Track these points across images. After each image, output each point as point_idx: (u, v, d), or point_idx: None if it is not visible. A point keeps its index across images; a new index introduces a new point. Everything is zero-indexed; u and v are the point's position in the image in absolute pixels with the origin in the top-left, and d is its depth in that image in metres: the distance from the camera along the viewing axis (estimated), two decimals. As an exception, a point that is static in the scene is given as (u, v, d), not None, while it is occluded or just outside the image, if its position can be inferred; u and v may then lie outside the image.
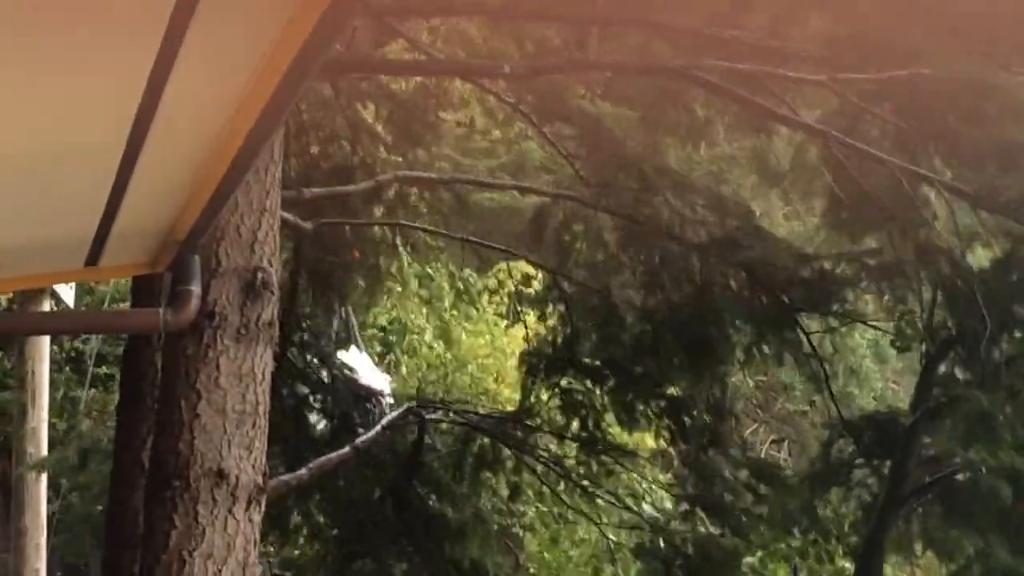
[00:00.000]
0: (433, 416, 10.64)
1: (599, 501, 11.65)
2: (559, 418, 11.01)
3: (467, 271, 16.52)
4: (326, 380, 10.75)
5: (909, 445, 12.04)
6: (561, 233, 10.95)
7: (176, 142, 4.14)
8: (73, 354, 17.58)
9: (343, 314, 15.18)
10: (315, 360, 11.01)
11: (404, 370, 16.40)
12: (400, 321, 16.83)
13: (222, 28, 3.05)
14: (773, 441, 24.13)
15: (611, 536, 12.11)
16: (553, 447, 11.36)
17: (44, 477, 14.43)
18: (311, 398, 10.66)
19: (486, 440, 10.84)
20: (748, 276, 10.22)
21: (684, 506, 11.40)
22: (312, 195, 9.58)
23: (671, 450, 11.47)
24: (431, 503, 10.55)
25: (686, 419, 10.84)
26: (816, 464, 12.59)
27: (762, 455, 19.81)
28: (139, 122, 3.66)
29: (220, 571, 6.43)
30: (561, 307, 11.18)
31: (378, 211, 11.03)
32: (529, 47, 10.26)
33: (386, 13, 9.40)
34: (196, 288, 5.98)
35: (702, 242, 10.40)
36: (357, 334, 16.47)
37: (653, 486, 12.04)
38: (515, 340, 16.76)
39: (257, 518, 6.60)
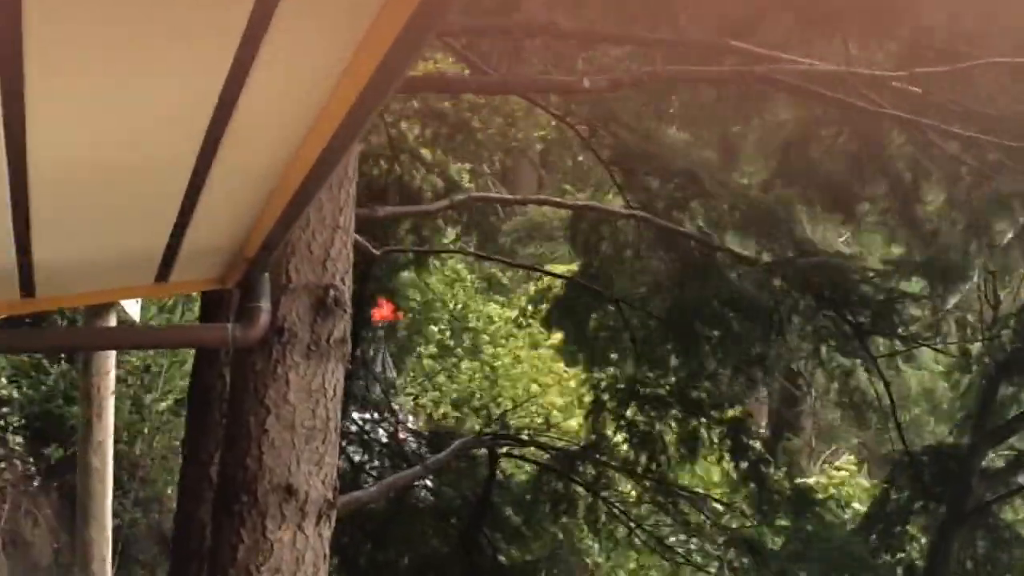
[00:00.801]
0: (504, 451, 10.58)
1: (671, 541, 11.55)
2: (626, 451, 10.92)
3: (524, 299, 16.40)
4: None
5: (968, 470, 11.80)
6: (621, 254, 10.88)
7: (248, 157, 4.11)
8: (141, 367, 17.64)
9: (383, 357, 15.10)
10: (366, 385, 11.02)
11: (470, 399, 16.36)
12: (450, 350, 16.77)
13: (299, 37, 2.99)
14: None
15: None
16: (624, 486, 11.26)
17: (110, 490, 14.47)
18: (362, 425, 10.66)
19: (556, 478, 10.76)
20: (815, 297, 10.10)
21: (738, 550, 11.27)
22: (386, 213, 9.55)
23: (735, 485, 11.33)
24: (501, 546, 10.50)
25: (747, 442, 10.72)
26: (874, 509, 12.32)
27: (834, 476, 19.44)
28: (210, 136, 3.63)
29: (289, 587, 6.41)
30: (626, 334, 11.12)
31: (451, 232, 11.03)
32: (582, 64, 10.21)
33: (442, 32, 9.38)
34: (265, 305, 5.95)
35: (768, 262, 10.31)
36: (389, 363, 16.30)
37: (718, 525, 11.88)
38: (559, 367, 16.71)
39: (327, 534, 6.57)
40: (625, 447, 10.92)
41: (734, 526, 11.61)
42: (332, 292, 6.50)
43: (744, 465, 10.97)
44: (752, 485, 11.01)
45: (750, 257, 10.54)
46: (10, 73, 2.82)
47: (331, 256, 6.55)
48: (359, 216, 7.31)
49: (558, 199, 10.20)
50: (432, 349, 16.83)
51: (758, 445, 10.90)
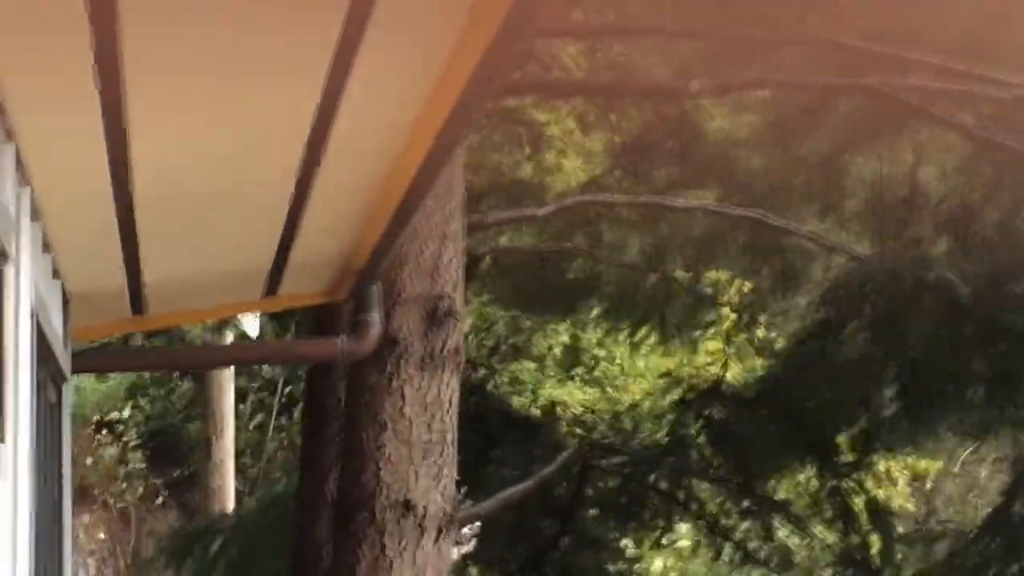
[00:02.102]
0: (596, 461, 10.45)
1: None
2: (709, 455, 10.72)
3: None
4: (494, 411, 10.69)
5: None
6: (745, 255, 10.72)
7: (349, 170, 4.04)
8: (259, 383, 17.73)
9: None
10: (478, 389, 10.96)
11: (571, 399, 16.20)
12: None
13: (391, 50, 2.93)
14: (996, 459, 22.89)
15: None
16: (707, 494, 11.04)
17: (231, 509, 14.55)
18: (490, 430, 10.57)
19: (645, 484, 10.60)
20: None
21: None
22: (496, 219, 9.46)
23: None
24: (589, 553, 10.40)
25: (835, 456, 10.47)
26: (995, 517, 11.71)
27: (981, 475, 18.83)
28: (311, 150, 3.58)
29: (409, 604, 6.32)
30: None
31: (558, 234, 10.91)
32: (669, 66, 10.05)
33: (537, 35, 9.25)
34: (376, 316, 5.88)
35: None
36: None
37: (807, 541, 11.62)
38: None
39: (448, 548, 6.48)
40: (708, 451, 10.70)
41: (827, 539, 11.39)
42: (444, 302, 6.40)
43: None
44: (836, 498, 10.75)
45: None
46: (112, 97, 2.80)
47: (441, 265, 6.46)
48: (468, 223, 7.21)
49: (672, 201, 9.97)
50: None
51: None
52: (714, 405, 10.59)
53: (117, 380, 16.20)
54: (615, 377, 16.84)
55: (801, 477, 11.39)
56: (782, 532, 10.99)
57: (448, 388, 6.53)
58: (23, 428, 3.20)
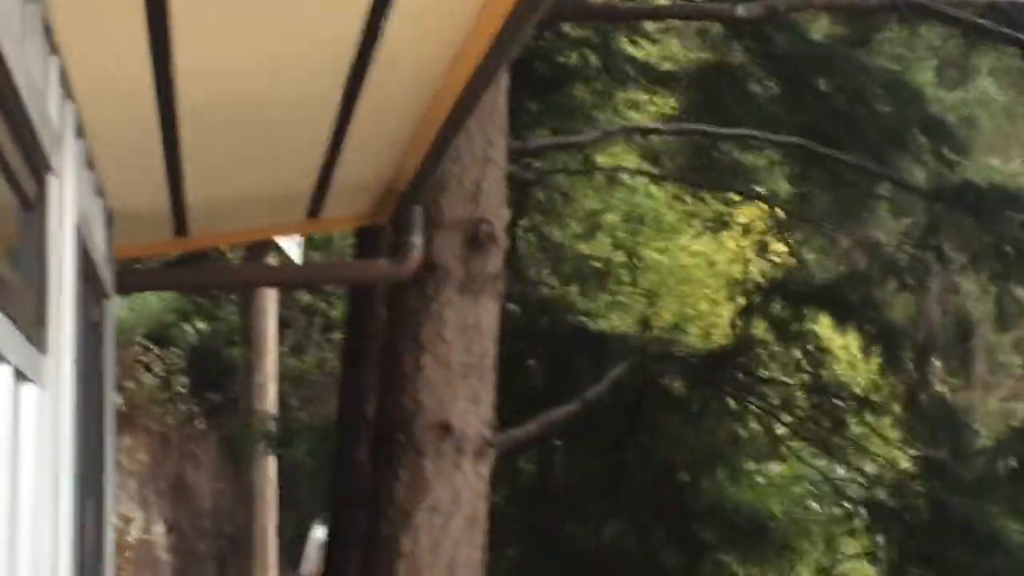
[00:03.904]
0: (656, 365, 10.41)
1: (825, 457, 11.31)
2: (779, 350, 10.70)
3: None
4: (546, 329, 10.62)
5: None
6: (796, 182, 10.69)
7: (393, 89, 4.04)
8: (299, 309, 17.80)
9: None
10: (535, 309, 10.91)
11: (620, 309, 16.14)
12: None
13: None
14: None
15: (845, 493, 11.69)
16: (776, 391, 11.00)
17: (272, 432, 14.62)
18: (532, 349, 10.54)
19: (708, 385, 10.56)
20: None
21: (916, 463, 10.96)
22: (539, 145, 9.43)
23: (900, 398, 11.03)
24: (659, 453, 10.36)
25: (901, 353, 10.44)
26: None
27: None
28: (356, 65, 3.57)
29: (447, 525, 6.36)
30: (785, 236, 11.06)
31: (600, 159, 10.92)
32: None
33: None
34: (418, 240, 5.88)
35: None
36: None
37: (885, 439, 11.56)
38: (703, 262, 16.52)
39: (485, 472, 6.51)
40: (777, 347, 10.68)
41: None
42: (485, 227, 6.40)
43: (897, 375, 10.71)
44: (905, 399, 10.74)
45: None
46: (157, 9, 2.79)
47: (483, 190, 6.45)
48: (511, 148, 7.20)
49: (718, 130, 9.90)
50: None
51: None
52: (779, 302, 10.57)
53: (159, 304, 16.28)
54: (673, 287, 16.84)
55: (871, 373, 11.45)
56: (856, 429, 10.99)
57: (488, 313, 6.54)
58: (66, 341, 3.23)
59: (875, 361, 10.59)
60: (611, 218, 15.20)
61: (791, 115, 10.11)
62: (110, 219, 4.77)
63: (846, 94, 9.93)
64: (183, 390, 16.28)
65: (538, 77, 9.86)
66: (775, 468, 12.04)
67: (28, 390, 2.66)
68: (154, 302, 15.94)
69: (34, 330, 2.71)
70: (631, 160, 12.79)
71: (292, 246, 14.01)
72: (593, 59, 10.26)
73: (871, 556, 11.39)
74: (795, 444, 11.26)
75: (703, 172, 10.90)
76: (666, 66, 11.35)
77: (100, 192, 4.40)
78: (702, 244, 16.78)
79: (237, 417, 15.71)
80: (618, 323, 14.81)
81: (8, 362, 2.38)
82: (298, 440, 14.00)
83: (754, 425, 11.03)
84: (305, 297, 17.62)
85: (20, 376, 2.55)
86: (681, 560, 10.52)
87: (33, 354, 2.70)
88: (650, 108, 12.48)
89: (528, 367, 10.51)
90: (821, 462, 11.61)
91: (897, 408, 10.92)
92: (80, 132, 3.65)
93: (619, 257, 15.91)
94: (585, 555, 10.31)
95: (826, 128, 9.89)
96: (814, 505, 11.98)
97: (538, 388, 10.35)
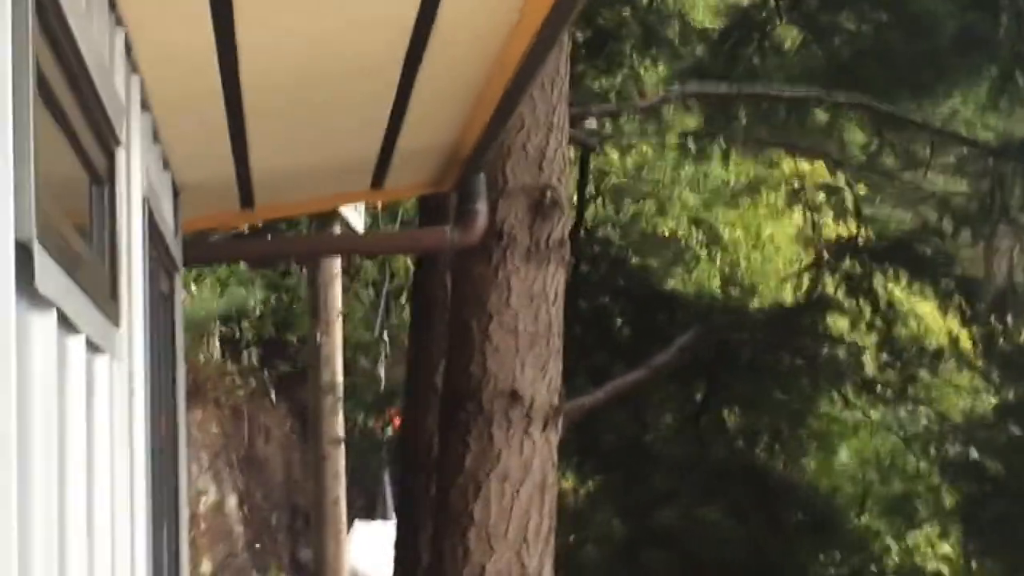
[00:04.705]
0: (727, 329, 10.36)
1: (899, 409, 11.24)
2: (850, 307, 10.64)
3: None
4: (614, 295, 10.60)
5: None
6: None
7: (456, 55, 4.03)
8: (364, 280, 17.86)
9: None
10: (610, 270, 10.89)
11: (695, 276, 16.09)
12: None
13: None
14: None
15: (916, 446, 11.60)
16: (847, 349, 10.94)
17: (341, 404, 14.72)
18: (610, 310, 10.53)
19: (781, 347, 10.51)
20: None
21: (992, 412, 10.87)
22: (600, 110, 9.40)
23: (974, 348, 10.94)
24: (736, 421, 10.34)
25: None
26: None
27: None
28: (417, 33, 3.56)
29: (517, 492, 6.37)
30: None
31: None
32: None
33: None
34: (483, 207, 5.87)
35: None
36: None
37: (958, 390, 11.46)
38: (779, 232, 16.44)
39: (554, 439, 6.52)
40: (848, 304, 10.62)
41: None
42: (549, 193, 6.40)
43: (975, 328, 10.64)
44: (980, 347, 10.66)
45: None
46: None
47: (547, 156, 6.45)
48: (573, 114, 7.18)
49: (779, 91, 9.83)
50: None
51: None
52: (851, 259, 10.51)
53: (226, 273, 16.39)
54: (743, 250, 16.80)
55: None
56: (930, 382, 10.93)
57: (553, 280, 6.54)
58: (137, 313, 3.25)
59: (953, 314, 10.55)
60: (677, 183, 15.16)
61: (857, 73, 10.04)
62: (177, 192, 4.79)
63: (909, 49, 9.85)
64: (252, 364, 16.40)
65: (588, 43, 9.84)
66: (852, 424, 11.99)
67: (101, 362, 2.68)
68: (224, 275, 16.05)
69: (107, 302, 2.73)
70: (693, 123, 12.73)
71: (356, 216, 14.04)
72: (634, 24, 10.22)
73: (951, 514, 11.34)
74: (871, 401, 11.18)
75: (767, 132, 10.84)
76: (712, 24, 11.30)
77: (166, 165, 4.43)
78: (770, 206, 16.73)
79: (307, 388, 15.79)
80: (687, 288, 14.80)
81: (82, 334, 2.40)
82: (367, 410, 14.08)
83: (828, 385, 10.97)
84: (371, 267, 17.69)
85: (93, 348, 2.57)
86: (768, 533, 10.49)
87: (106, 326, 2.72)
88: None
89: (596, 334, 10.49)
90: (897, 417, 11.54)
91: (975, 360, 10.85)
92: (145, 105, 3.66)
93: (686, 222, 15.89)
94: (667, 528, 10.32)
95: (889, 85, 9.82)
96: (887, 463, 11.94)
97: (606, 355, 10.34)
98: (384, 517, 17.32)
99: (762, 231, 17.12)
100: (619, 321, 10.54)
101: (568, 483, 10.38)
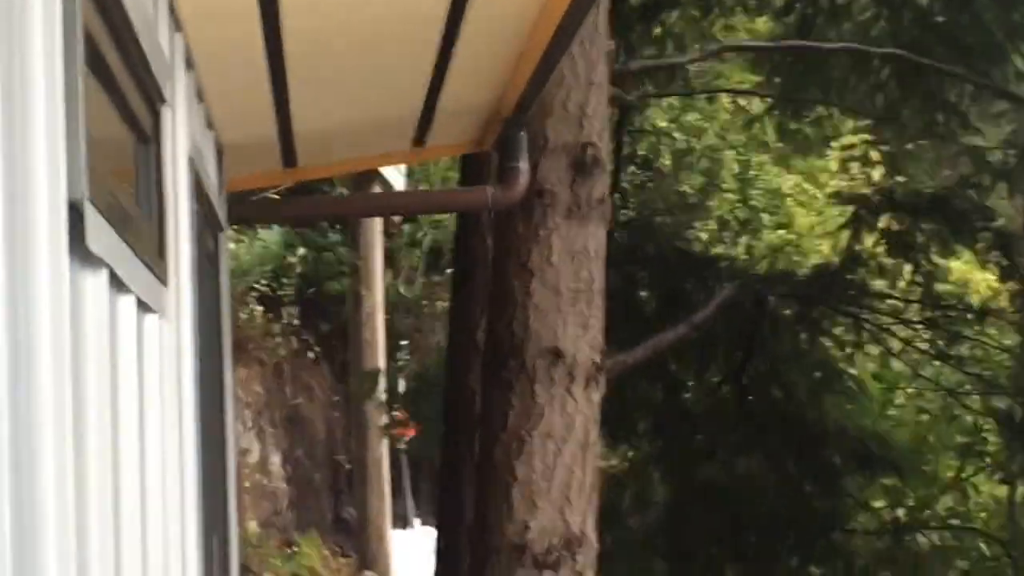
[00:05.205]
0: (766, 286, 10.34)
1: (940, 365, 11.21)
2: (889, 265, 10.59)
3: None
4: (653, 254, 10.58)
5: None
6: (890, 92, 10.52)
7: (497, 12, 4.03)
8: (404, 239, 17.89)
9: None
10: (642, 235, 10.89)
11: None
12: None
13: None
14: None
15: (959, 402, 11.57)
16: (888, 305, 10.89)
17: (382, 362, 14.76)
18: (640, 275, 10.52)
19: (820, 303, 10.47)
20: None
21: None
22: (640, 67, 9.36)
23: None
24: (776, 377, 10.31)
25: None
26: None
27: None
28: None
29: (560, 450, 6.38)
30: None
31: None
32: None
33: None
34: (524, 165, 5.88)
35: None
36: None
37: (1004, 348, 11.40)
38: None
39: (596, 397, 6.52)
40: (886, 260, 10.56)
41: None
42: (590, 150, 6.38)
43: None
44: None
45: None
46: None
47: (587, 114, 6.42)
48: (613, 72, 7.15)
49: (812, 43, 9.74)
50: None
51: None
52: (889, 214, 10.46)
53: (268, 237, 16.43)
54: (781, 207, 16.76)
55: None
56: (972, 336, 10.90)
57: (595, 237, 6.53)
58: (185, 272, 3.27)
59: (992, 268, 10.50)
60: (715, 139, 15.11)
61: (889, 27, 9.98)
62: (220, 152, 4.81)
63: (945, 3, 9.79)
64: (294, 322, 16.45)
65: (633, 5, 9.79)
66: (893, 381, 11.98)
67: (151, 321, 2.70)
68: (262, 236, 16.09)
69: (155, 261, 2.75)
70: (732, 81, 12.70)
71: (397, 177, 14.08)
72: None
73: (997, 467, 11.33)
74: (912, 356, 11.15)
75: (805, 89, 10.78)
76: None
77: (210, 124, 4.44)
78: (808, 163, 16.67)
79: (347, 347, 15.86)
80: (725, 246, 14.77)
81: (132, 293, 2.42)
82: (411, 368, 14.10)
83: (869, 341, 10.94)
84: (411, 227, 17.71)
85: (143, 307, 2.59)
86: (812, 486, 10.49)
87: (155, 285, 2.74)
88: (747, 30, 12.38)
89: (636, 293, 10.49)
90: (939, 372, 11.52)
91: (1012, 313, 10.82)
92: (189, 64, 3.68)
93: (724, 179, 15.84)
94: (712, 484, 10.33)
95: (925, 40, 9.76)
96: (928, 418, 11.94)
97: (646, 314, 10.34)
98: (406, 526, 17.42)
99: (803, 188, 17.09)
100: (653, 283, 10.52)
101: (610, 442, 10.39)
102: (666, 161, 14.50)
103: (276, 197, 8.63)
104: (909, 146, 11.48)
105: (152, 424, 2.66)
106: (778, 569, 10.53)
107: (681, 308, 9.60)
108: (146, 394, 2.60)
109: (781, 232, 16.53)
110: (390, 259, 16.97)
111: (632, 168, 12.11)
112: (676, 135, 14.19)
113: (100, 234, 2.01)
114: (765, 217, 16.43)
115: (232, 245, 14.98)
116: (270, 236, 15.82)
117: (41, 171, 1.66)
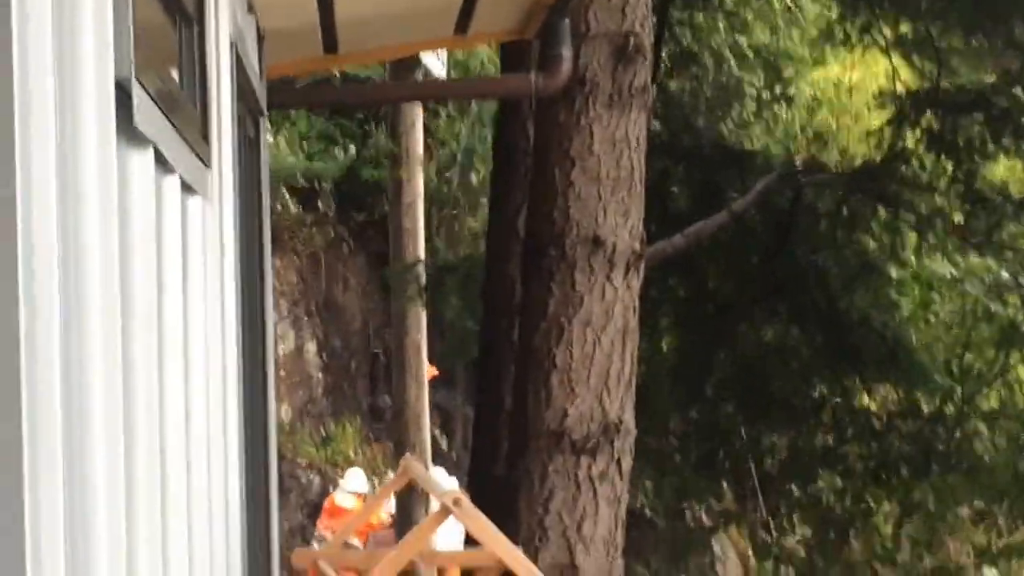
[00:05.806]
0: (806, 179, 10.28)
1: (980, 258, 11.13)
2: (929, 163, 10.50)
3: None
4: (688, 146, 10.53)
5: None
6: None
7: None
8: (446, 128, 17.82)
9: None
10: (677, 128, 10.82)
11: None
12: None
13: None
14: None
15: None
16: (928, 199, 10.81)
17: (422, 251, 14.75)
18: (675, 168, 10.48)
19: (859, 196, 10.40)
20: None
21: None
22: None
23: None
24: (812, 260, 10.29)
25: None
26: None
27: None
28: None
29: (599, 338, 6.41)
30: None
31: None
32: None
33: None
34: (567, 53, 5.85)
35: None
36: None
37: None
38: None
39: (636, 284, 6.54)
40: (928, 158, 10.46)
41: None
42: (632, 39, 6.34)
43: None
44: None
45: None
46: None
47: (629, 3, 6.38)
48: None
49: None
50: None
51: None
52: (931, 111, 10.36)
53: (305, 127, 16.43)
54: (823, 101, 16.62)
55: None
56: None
57: (636, 126, 6.51)
58: (227, 155, 3.28)
59: None
60: (757, 34, 14.94)
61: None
62: (261, 37, 4.80)
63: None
64: (329, 213, 16.48)
65: None
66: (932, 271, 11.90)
67: (194, 203, 2.71)
68: (299, 126, 16.09)
69: (198, 143, 2.75)
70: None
71: (437, 64, 13.98)
72: None
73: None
74: (951, 249, 11.07)
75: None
76: None
77: (251, 9, 4.43)
78: (851, 58, 16.48)
79: (383, 239, 15.87)
80: (766, 140, 14.67)
81: (177, 173, 2.43)
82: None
83: (909, 232, 10.87)
84: (445, 123, 17.63)
85: (187, 188, 2.60)
86: (835, 368, 10.52)
87: (199, 167, 2.75)
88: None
89: (675, 184, 10.45)
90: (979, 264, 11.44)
91: None
92: (232, -52, 3.66)
93: (765, 73, 15.68)
94: (743, 357, 10.37)
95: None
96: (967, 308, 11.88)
97: (685, 205, 10.31)
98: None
99: (843, 84, 16.94)
100: (689, 177, 10.47)
101: (648, 329, 10.42)
102: (710, 54, 14.36)
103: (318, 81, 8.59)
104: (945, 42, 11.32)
105: (195, 302, 2.68)
106: (813, 445, 10.62)
107: (714, 203, 9.56)
108: (190, 273, 2.62)
109: (821, 124, 16.41)
110: (429, 151, 16.92)
111: (669, 58, 11.99)
112: (721, 26, 14.03)
113: (147, 113, 2.02)
114: (803, 112, 16.31)
115: (270, 139, 14.99)
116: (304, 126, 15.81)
117: (89, 49, 1.66)
